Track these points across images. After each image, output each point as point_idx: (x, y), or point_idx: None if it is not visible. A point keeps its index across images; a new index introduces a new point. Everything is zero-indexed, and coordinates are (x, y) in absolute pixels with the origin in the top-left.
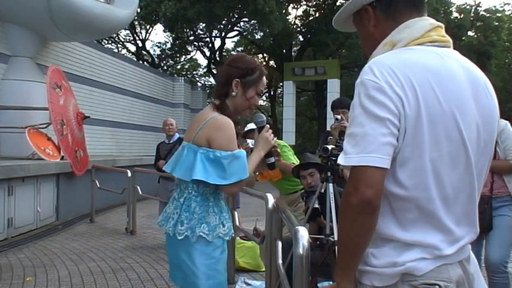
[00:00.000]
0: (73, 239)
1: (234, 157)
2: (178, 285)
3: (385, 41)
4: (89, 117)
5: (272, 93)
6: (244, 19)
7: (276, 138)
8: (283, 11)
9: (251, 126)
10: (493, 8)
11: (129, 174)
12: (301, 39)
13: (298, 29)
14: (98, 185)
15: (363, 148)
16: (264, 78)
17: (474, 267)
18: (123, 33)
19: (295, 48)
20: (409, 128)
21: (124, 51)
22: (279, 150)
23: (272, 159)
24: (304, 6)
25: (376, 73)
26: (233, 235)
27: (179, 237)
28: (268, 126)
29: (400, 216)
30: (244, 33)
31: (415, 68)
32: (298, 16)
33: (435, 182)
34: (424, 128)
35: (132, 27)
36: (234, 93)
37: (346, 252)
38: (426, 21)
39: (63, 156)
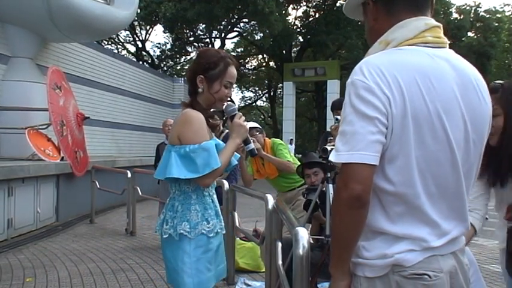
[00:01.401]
0: (73, 239)
1: (201, 149)
2: (168, 283)
3: (380, 39)
4: (88, 117)
5: (272, 94)
6: (244, 20)
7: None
8: (283, 11)
9: (250, 124)
10: (493, 9)
11: (129, 174)
12: (301, 40)
13: (298, 30)
14: (98, 186)
15: (352, 146)
16: (231, 68)
17: (469, 260)
18: (123, 34)
19: (295, 49)
20: (396, 126)
21: (124, 52)
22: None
23: (251, 146)
24: (304, 7)
25: (366, 73)
26: (221, 231)
27: (164, 236)
28: (240, 113)
29: (389, 210)
30: (244, 34)
31: (403, 68)
32: (298, 17)
33: (420, 179)
34: (410, 127)
35: (132, 28)
36: (200, 90)
37: (338, 245)
38: (421, 22)
39: (63, 157)
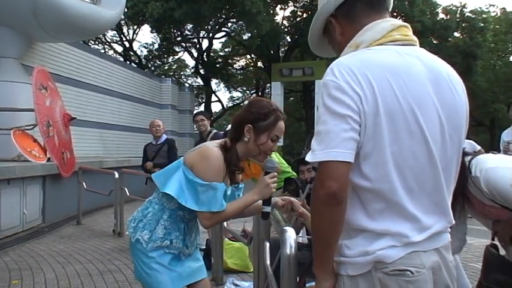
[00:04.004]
0: (60, 241)
1: (210, 187)
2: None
3: (350, 43)
4: (75, 118)
5: (260, 94)
6: (231, 20)
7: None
8: (271, 11)
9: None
10: (479, 9)
11: (117, 175)
12: (289, 40)
13: (286, 30)
14: (85, 187)
15: (326, 144)
16: (280, 122)
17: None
18: (110, 33)
19: (282, 49)
20: (368, 124)
21: (111, 52)
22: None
23: (268, 209)
24: (292, 7)
25: (336, 74)
26: (187, 254)
27: (126, 232)
28: (275, 174)
29: (369, 207)
30: (232, 34)
31: (373, 66)
32: (286, 17)
33: (398, 174)
34: (382, 123)
35: (118, 28)
36: (246, 139)
37: (319, 244)
38: (388, 23)
39: (49, 158)
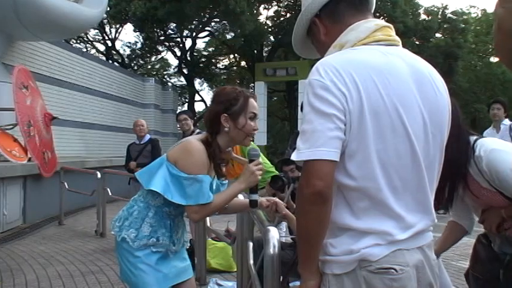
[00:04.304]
0: (41, 242)
1: (195, 180)
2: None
3: (334, 43)
4: (57, 118)
5: None
6: (215, 19)
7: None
8: (255, 11)
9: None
10: (460, 11)
11: (99, 175)
12: (272, 39)
13: (270, 30)
14: (67, 187)
15: (312, 143)
16: (251, 100)
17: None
18: (92, 32)
19: (266, 48)
20: (353, 122)
21: (93, 51)
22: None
23: (256, 197)
24: (275, 7)
25: (322, 73)
26: (173, 252)
27: (112, 232)
28: (260, 161)
29: (353, 206)
30: (215, 34)
31: (358, 66)
32: (270, 17)
33: (382, 172)
34: (367, 122)
35: (101, 27)
36: (226, 129)
37: (304, 243)
38: (371, 23)
39: (30, 158)
